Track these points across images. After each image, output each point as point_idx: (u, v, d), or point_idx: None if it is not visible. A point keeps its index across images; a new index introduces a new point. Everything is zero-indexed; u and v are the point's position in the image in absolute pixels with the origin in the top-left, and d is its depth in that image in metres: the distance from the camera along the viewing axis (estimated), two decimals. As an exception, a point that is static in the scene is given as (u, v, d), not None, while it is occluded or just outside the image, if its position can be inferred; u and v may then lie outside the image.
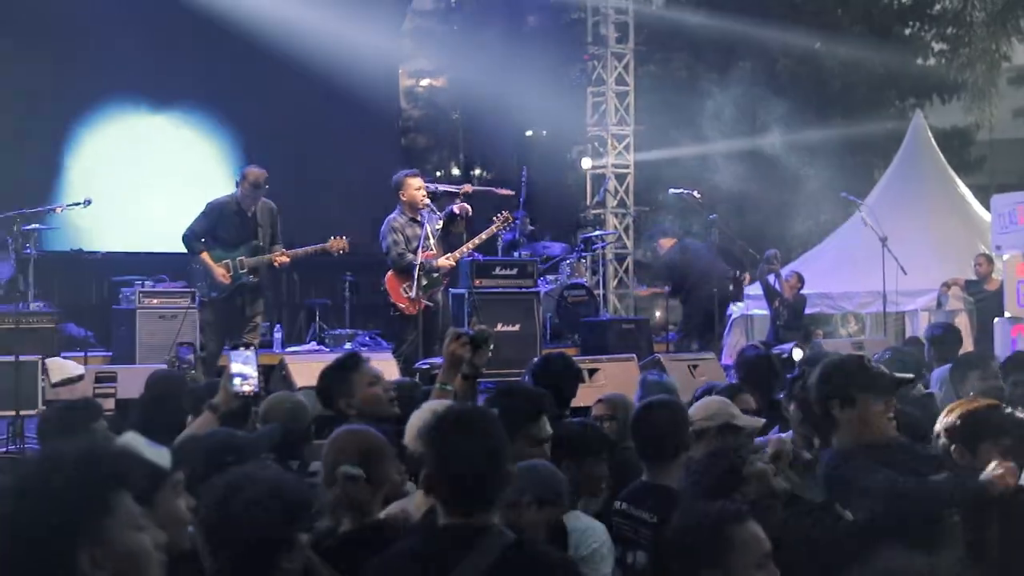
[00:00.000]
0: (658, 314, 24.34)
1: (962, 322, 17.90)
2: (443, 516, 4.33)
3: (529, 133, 31.71)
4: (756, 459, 5.48)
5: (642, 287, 19.32)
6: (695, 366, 13.84)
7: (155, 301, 15.36)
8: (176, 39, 20.51)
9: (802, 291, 19.45)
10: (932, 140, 25.05)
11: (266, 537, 3.96)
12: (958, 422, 5.58)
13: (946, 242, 21.72)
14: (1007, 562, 4.68)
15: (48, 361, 12.66)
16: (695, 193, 19.18)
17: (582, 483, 6.08)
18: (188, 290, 15.01)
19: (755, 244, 20.38)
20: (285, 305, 20.47)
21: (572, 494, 5.82)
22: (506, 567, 4.19)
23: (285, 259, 13.83)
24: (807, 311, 19.97)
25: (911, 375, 6.19)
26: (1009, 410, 5.83)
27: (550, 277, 19.68)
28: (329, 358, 8.48)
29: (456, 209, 14.22)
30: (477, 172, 31.11)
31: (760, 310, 20.40)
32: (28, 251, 14.73)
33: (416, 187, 14.01)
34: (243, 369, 6.05)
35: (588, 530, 5.58)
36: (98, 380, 12.60)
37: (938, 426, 5.64)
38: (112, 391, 12.25)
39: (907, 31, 32.76)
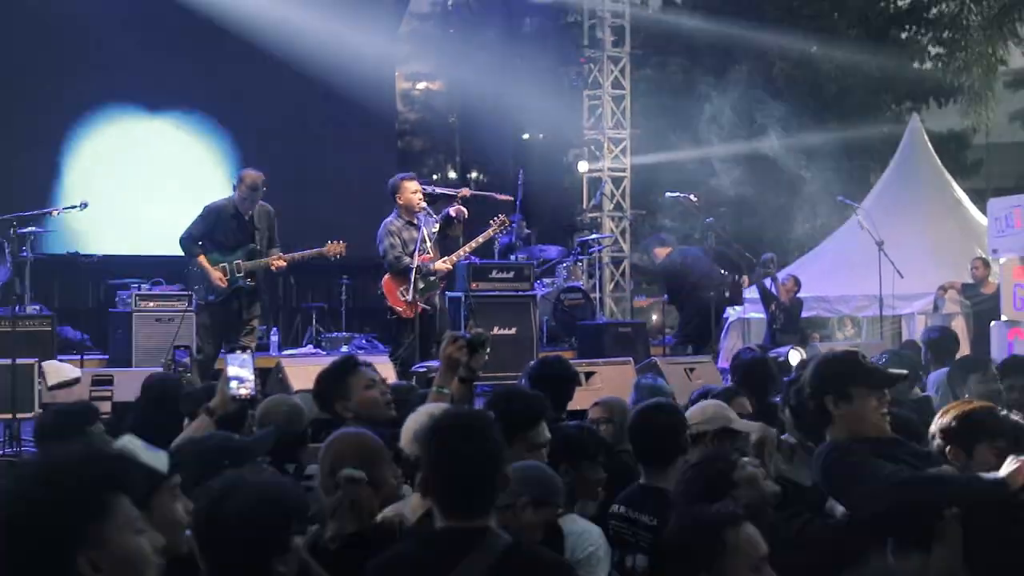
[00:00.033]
0: (655, 317, 24.36)
1: (959, 326, 17.89)
2: (440, 519, 4.33)
3: (526, 136, 31.74)
4: (746, 463, 5.48)
5: (641, 297, 19.31)
6: (692, 369, 13.84)
7: (151, 304, 15.36)
8: (173, 42, 20.48)
9: (798, 295, 19.46)
10: (929, 144, 25.07)
11: (258, 540, 3.95)
12: (954, 423, 5.57)
13: (943, 246, 21.74)
14: (1006, 563, 4.66)
15: (44, 364, 12.65)
16: (692, 197, 19.20)
17: (579, 487, 6.08)
18: (185, 293, 15.00)
19: (752, 248, 20.38)
20: (281, 308, 20.45)
21: (568, 498, 5.82)
22: (504, 570, 4.19)
23: (282, 263, 13.83)
24: (803, 315, 19.98)
25: (905, 371, 6.18)
26: (1004, 413, 5.83)
27: (546, 280, 19.69)
28: (325, 361, 8.48)
29: (452, 212, 14.21)
30: (473, 175, 31.12)
31: (757, 314, 20.41)
32: (25, 254, 14.73)
33: (412, 190, 14.01)
34: (240, 372, 6.05)
35: (584, 533, 5.58)
36: (94, 383, 12.59)
37: (933, 427, 5.63)
38: (108, 394, 12.23)
39: (903, 35, 32.78)
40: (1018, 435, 5.56)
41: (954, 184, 24.71)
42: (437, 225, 14.16)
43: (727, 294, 17.87)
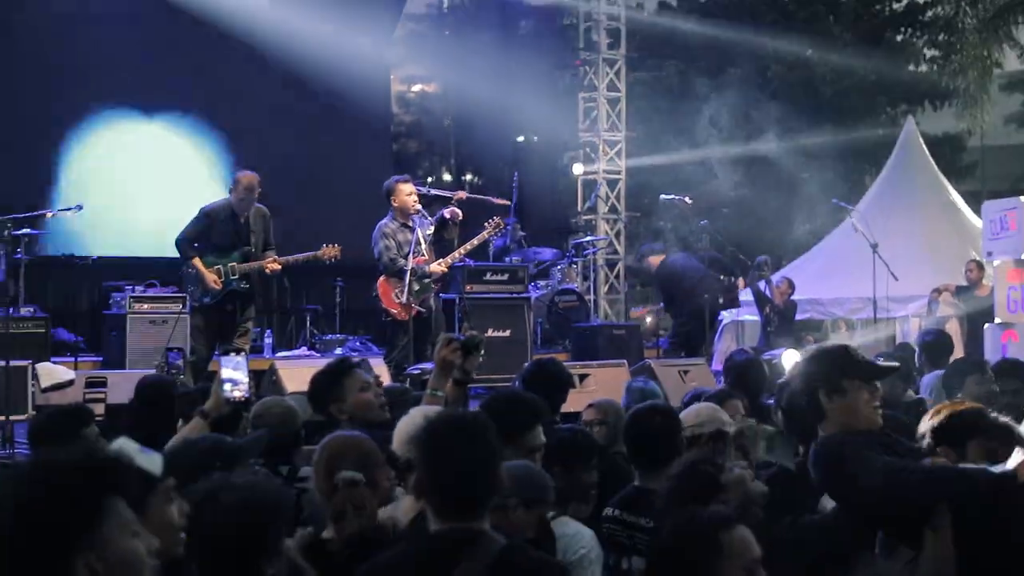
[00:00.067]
0: (649, 320, 24.35)
1: (952, 328, 17.89)
2: (435, 522, 4.32)
3: (521, 139, 31.76)
4: (734, 465, 5.48)
5: (637, 308, 19.33)
6: (686, 372, 13.82)
7: (146, 306, 15.36)
8: (168, 44, 20.49)
9: (792, 297, 19.47)
10: (923, 146, 25.08)
11: (246, 543, 3.96)
12: (945, 422, 5.57)
13: (937, 248, 21.75)
14: (997, 557, 4.65)
15: (38, 366, 12.65)
16: (686, 199, 19.20)
17: (572, 489, 6.07)
18: (179, 295, 14.99)
19: (746, 250, 20.38)
20: (276, 310, 20.44)
21: (562, 500, 5.82)
22: (499, 573, 4.18)
23: (277, 266, 13.81)
24: (797, 317, 19.99)
25: (896, 363, 6.17)
26: (994, 414, 5.82)
27: (541, 283, 19.69)
28: (320, 363, 8.48)
29: (447, 214, 14.21)
30: (468, 178, 31.17)
31: (751, 316, 20.42)
32: (19, 256, 14.72)
33: (407, 193, 14.00)
34: (234, 375, 6.06)
35: (576, 536, 5.58)
36: (88, 385, 12.58)
37: (923, 427, 5.62)
38: (102, 396, 12.23)
39: (899, 37, 32.84)
40: (1008, 435, 5.55)
41: (949, 186, 24.73)
42: (432, 227, 14.16)
43: (721, 300, 17.87)
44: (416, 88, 34.33)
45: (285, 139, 21.70)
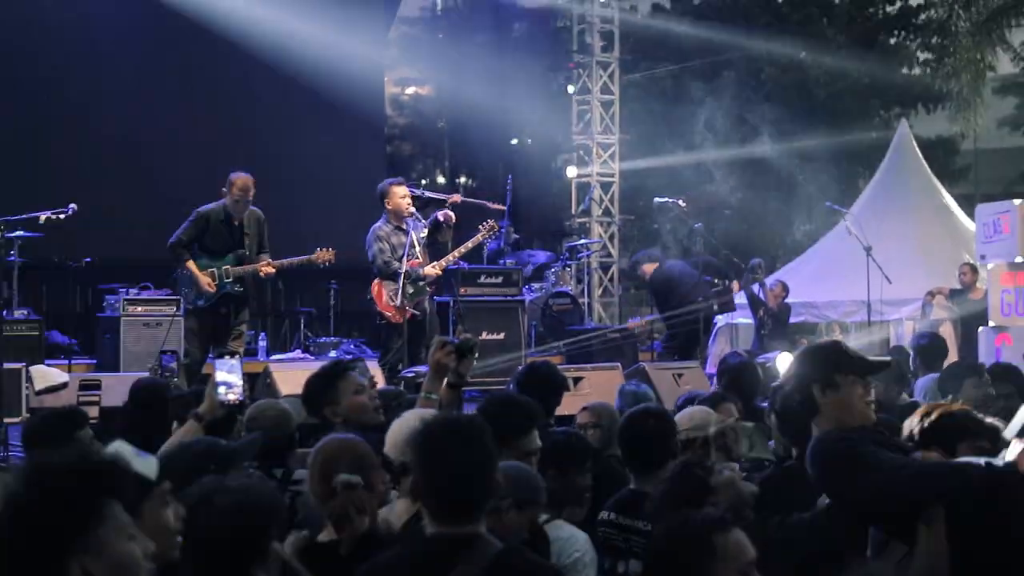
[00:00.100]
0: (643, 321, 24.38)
1: (946, 331, 17.90)
2: (431, 525, 4.31)
3: (514, 141, 31.76)
4: (723, 467, 5.48)
5: (635, 319, 19.33)
6: (680, 375, 13.83)
7: (139, 309, 15.38)
8: (161, 46, 20.47)
9: (786, 300, 19.48)
10: (917, 149, 25.11)
11: (238, 546, 3.96)
12: (936, 423, 5.56)
13: (931, 251, 21.78)
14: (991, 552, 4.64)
15: (32, 369, 12.64)
16: (680, 202, 19.22)
17: (566, 493, 6.07)
18: (173, 298, 15.00)
19: (740, 253, 20.41)
20: (270, 313, 20.43)
21: (556, 504, 5.82)
22: (496, 576, 4.19)
23: (271, 270, 13.77)
24: (792, 320, 20.00)
25: (888, 359, 6.17)
26: (981, 416, 5.82)
27: (535, 285, 19.69)
28: (314, 366, 8.48)
29: (440, 217, 14.21)
30: (462, 180, 31.17)
31: (745, 319, 20.43)
32: (12, 258, 14.72)
33: (401, 195, 14.00)
34: (228, 378, 6.05)
35: (570, 539, 5.58)
36: (82, 388, 12.57)
37: (912, 428, 5.62)
38: (96, 399, 12.21)
39: (892, 41, 32.86)
40: (997, 436, 5.55)
41: (942, 189, 24.75)
42: (426, 230, 14.16)
43: (715, 306, 17.90)
44: (410, 90, 34.31)
45: (279, 141, 21.67)
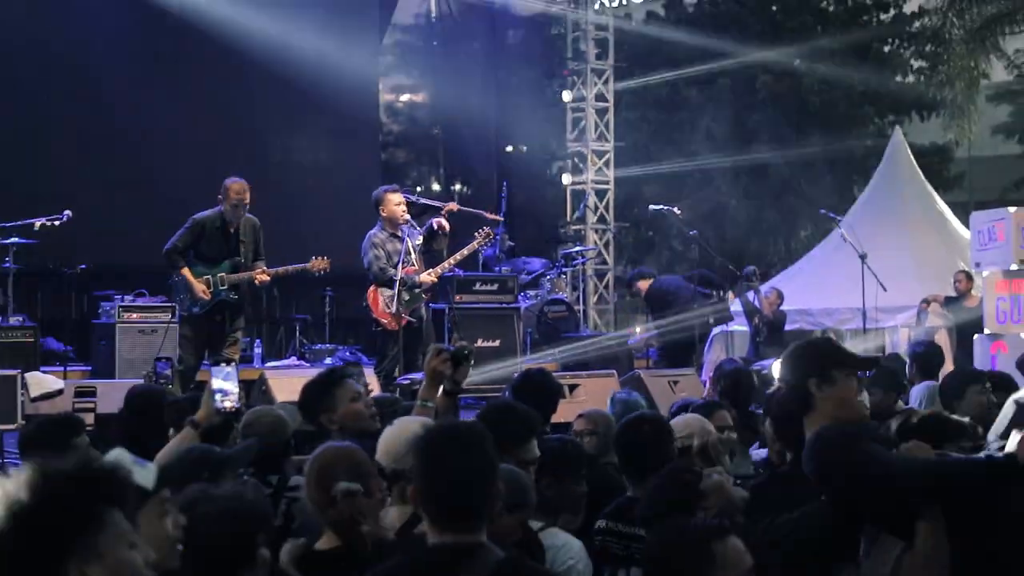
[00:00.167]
0: (638, 329, 24.37)
1: (942, 339, 17.94)
2: (432, 534, 4.29)
3: (509, 148, 31.73)
4: (711, 471, 5.48)
5: (634, 340, 19.32)
6: (675, 382, 13.83)
7: (135, 316, 15.38)
8: (155, 53, 20.48)
9: (781, 308, 19.48)
10: (911, 157, 25.12)
11: (223, 553, 3.95)
12: (919, 423, 5.57)
13: (925, 259, 21.79)
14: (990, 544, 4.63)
15: (28, 375, 12.61)
16: (675, 209, 19.22)
17: (562, 500, 6.06)
18: (168, 305, 14.99)
19: (735, 260, 20.42)
20: (265, 320, 20.42)
21: (552, 511, 5.82)
22: (498, 586, 4.18)
23: (266, 277, 13.76)
24: (787, 327, 20.00)
25: (876, 355, 6.21)
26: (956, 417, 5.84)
27: (530, 293, 19.69)
28: (309, 373, 8.47)
29: (435, 225, 14.21)
30: (457, 187, 31.08)
31: (740, 327, 20.44)
32: (8, 265, 14.71)
33: (396, 202, 14.00)
34: (224, 385, 6.06)
35: (564, 547, 5.56)
36: (77, 395, 12.57)
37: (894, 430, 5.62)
38: (92, 406, 12.20)
39: (886, 48, 32.89)
40: (977, 436, 5.57)
41: (936, 197, 24.78)
42: (421, 237, 14.16)
43: (711, 320, 17.94)
44: (405, 98, 34.23)
45: (274, 149, 21.72)
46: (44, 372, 13.39)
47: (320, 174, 22.58)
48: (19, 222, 15.02)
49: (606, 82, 25.80)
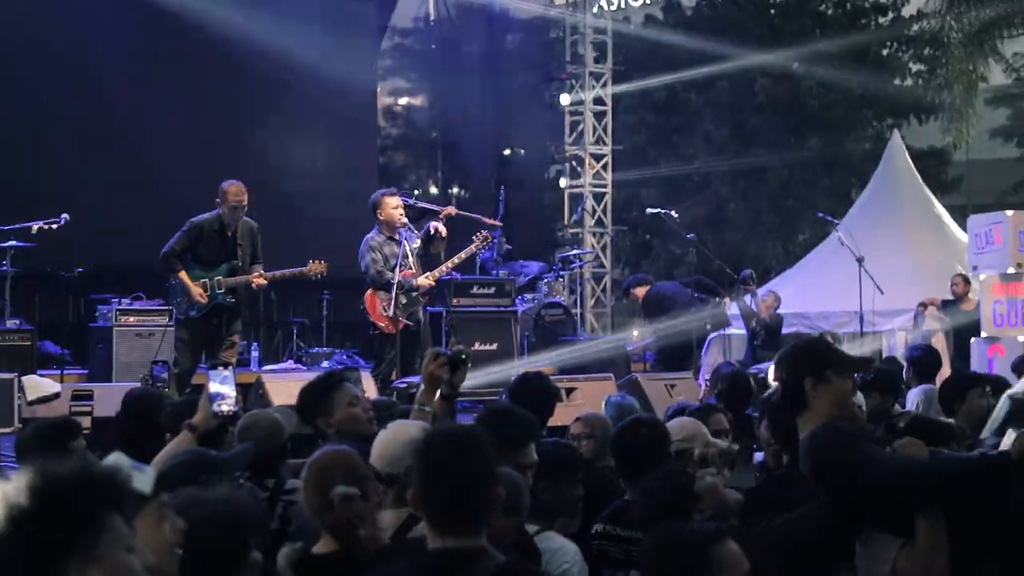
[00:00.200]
0: (635, 333, 24.38)
1: (939, 342, 17.93)
2: (433, 538, 4.29)
3: (507, 152, 31.75)
4: (704, 474, 5.48)
5: (631, 346, 19.32)
6: (673, 385, 13.83)
7: (132, 319, 15.38)
8: (154, 55, 20.49)
9: (779, 311, 19.47)
10: (909, 160, 25.12)
11: (214, 557, 3.95)
12: (909, 425, 5.59)
13: (923, 262, 21.77)
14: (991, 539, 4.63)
15: (24, 379, 12.63)
16: (673, 213, 19.22)
17: (558, 504, 6.05)
18: (165, 308, 14.99)
19: (732, 264, 20.42)
20: (262, 323, 20.42)
21: (548, 515, 5.81)
22: (501, 590, 4.17)
23: (263, 281, 13.73)
24: (784, 331, 19.98)
25: (869, 356, 6.22)
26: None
27: (528, 296, 19.67)
28: (306, 377, 8.47)
29: (432, 229, 14.20)
30: (455, 191, 31.12)
31: (737, 330, 20.42)
32: (4, 268, 14.71)
33: (393, 206, 14.00)
34: (221, 389, 6.06)
35: (560, 550, 5.55)
36: (74, 398, 12.57)
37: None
38: (89, 409, 12.21)
39: (885, 52, 32.88)
40: (967, 438, 5.59)
41: (934, 200, 24.78)
42: (418, 240, 14.15)
43: (708, 325, 17.96)
44: (403, 101, 34.23)
45: (271, 151, 21.73)
46: (41, 375, 13.41)
47: (318, 177, 22.60)
48: (16, 225, 15.02)
49: (604, 85, 25.81)
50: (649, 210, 20.21)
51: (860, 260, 17.54)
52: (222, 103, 21.06)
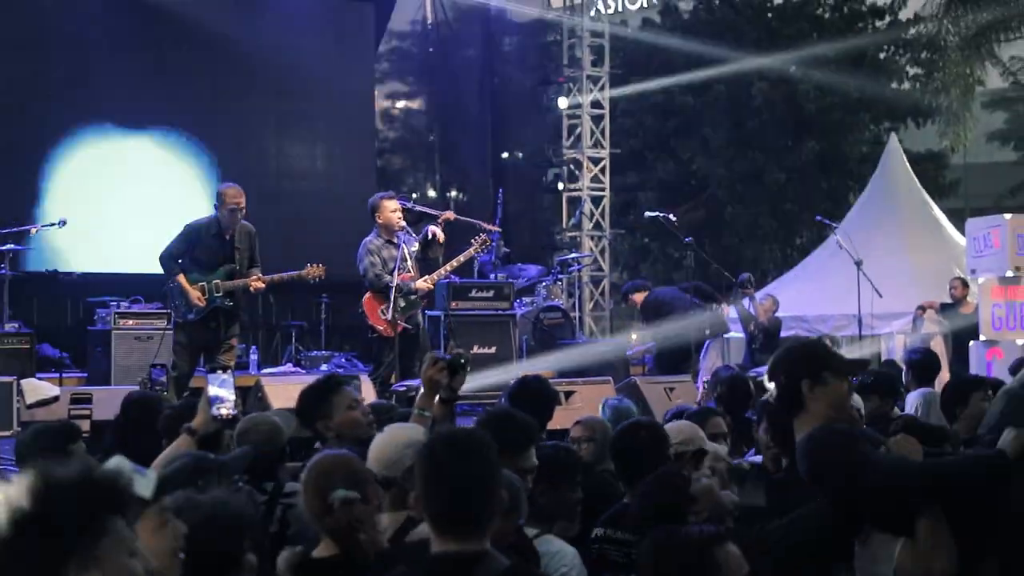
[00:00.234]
0: (634, 337, 24.39)
1: (937, 345, 17.94)
2: (436, 542, 4.28)
3: (505, 155, 31.76)
4: (699, 475, 5.48)
5: (633, 350, 19.31)
6: (672, 388, 13.84)
7: (130, 322, 15.38)
8: (152, 60, 20.48)
9: (777, 314, 19.48)
10: (907, 164, 25.14)
11: (208, 560, 3.95)
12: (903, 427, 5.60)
13: (921, 265, 21.78)
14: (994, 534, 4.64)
15: (24, 382, 12.64)
16: (671, 216, 19.21)
17: (557, 507, 6.05)
18: (164, 311, 14.98)
19: (730, 267, 20.42)
20: (261, 327, 20.42)
21: (547, 519, 5.81)
22: (504, 594, 4.16)
23: (261, 284, 13.71)
24: (782, 334, 19.98)
25: (866, 358, 6.23)
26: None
27: (526, 299, 19.66)
28: (305, 380, 8.47)
29: (430, 233, 14.20)
30: (453, 194, 31.11)
31: (736, 333, 20.44)
32: (4, 271, 14.71)
33: (392, 209, 14.00)
34: (220, 392, 6.05)
35: (559, 554, 5.55)
36: (73, 401, 12.58)
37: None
38: (87, 412, 12.22)
39: (882, 55, 32.88)
40: (958, 443, 5.59)
41: (932, 204, 24.78)
42: (417, 244, 14.16)
43: (707, 331, 17.97)
44: (400, 104, 34.23)
45: (270, 154, 21.74)
46: (40, 379, 13.42)
47: (316, 180, 22.62)
48: (15, 228, 15.02)
49: (602, 89, 25.81)
50: (647, 213, 20.21)
51: (858, 263, 17.55)
52: (221, 106, 21.06)
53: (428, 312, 15.08)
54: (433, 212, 15.41)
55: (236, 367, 14.14)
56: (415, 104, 33.76)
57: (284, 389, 12.00)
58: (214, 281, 13.42)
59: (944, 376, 12.33)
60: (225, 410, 6.02)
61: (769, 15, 33.37)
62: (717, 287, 19.16)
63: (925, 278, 21.00)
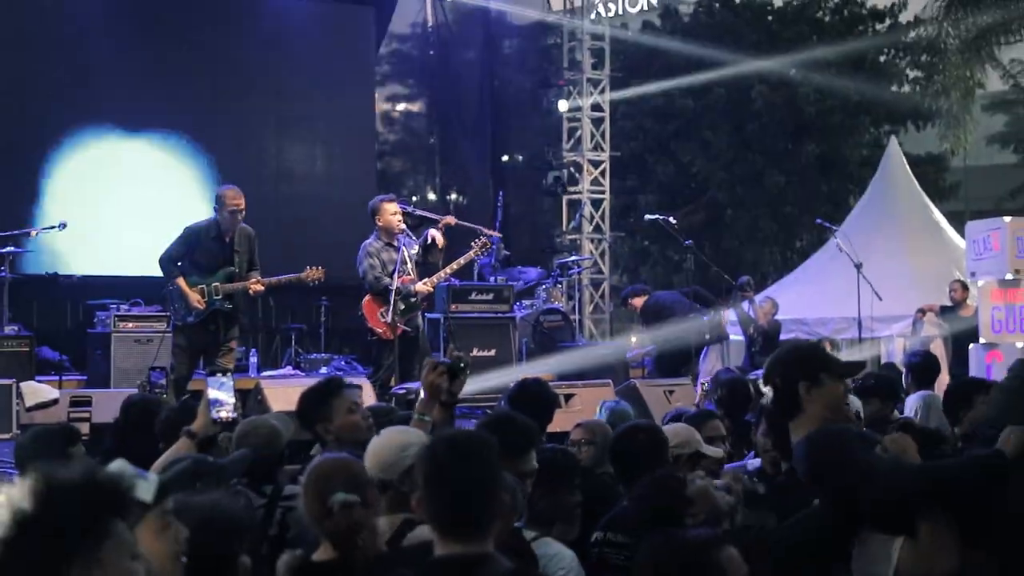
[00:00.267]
0: (634, 339, 24.40)
1: (937, 348, 17.93)
2: (439, 545, 4.28)
3: (505, 158, 31.77)
4: (695, 476, 5.48)
5: (633, 353, 19.30)
6: (671, 391, 13.84)
7: (130, 325, 15.37)
8: (151, 62, 20.46)
9: (776, 317, 19.48)
10: (907, 166, 25.15)
11: (202, 562, 3.95)
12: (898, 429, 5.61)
13: (921, 268, 21.79)
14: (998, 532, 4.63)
15: (23, 385, 12.63)
16: (671, 219, 19.21)
17: (556, 510, 6.05)
18: (163, 314, 14.96)
19: (730, 270, 20.43)
20: (260, 329, 20.41)
21: (546, 522, 5.81)
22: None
23: (260, 287, 13.68)
24: (782, 337, 19.99)
25: (863, 360, 6.24)
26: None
27: (526, 302, 19.65)
28: (305, 383, 8.46)
29: (430, 237, 14.20)
30: (453, 196, 31.12)
31: (735, 336, 20.44)
32: (3, 274, 14.71)
33: (392, 212, 13.99)
34: (220, 395, 6.05)
35: (557, 556, 5.55)
36: (73, 404, 12.58)
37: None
38: (87, 415, 12.22)
39: (882, 58, 32.90)
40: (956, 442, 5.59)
41: (932, 207, 24.80)
42: (417, 247, 14.15)
43: (707, 336, 17.97)
44: (401, 107, 34.23)
45: (269, 157, 21.73)
46: (39, 381, 13.40)
47: (316, 183, 22.60)
48: (15, 231, 15.02)
49: (602, 92, 25.82)
50: (647, 216, 20.22)
51: (858, 266, 17.54)
52: (221, 108, 21.06)
53: (428, 315, 15.07)
54: (433, 216, 15.41)
55: (236, 370, 14.12)
56: (415, 107, 33.77)
57: (284, 392, 11.99)
58: (214, 284, 13.40)
59: (944, 379, 12.34)
60: (225, 413, 6.02)
61: (769, 18, 33.42)
62: (717, 290, 19.18)
63: (925, 281, 21.02)
